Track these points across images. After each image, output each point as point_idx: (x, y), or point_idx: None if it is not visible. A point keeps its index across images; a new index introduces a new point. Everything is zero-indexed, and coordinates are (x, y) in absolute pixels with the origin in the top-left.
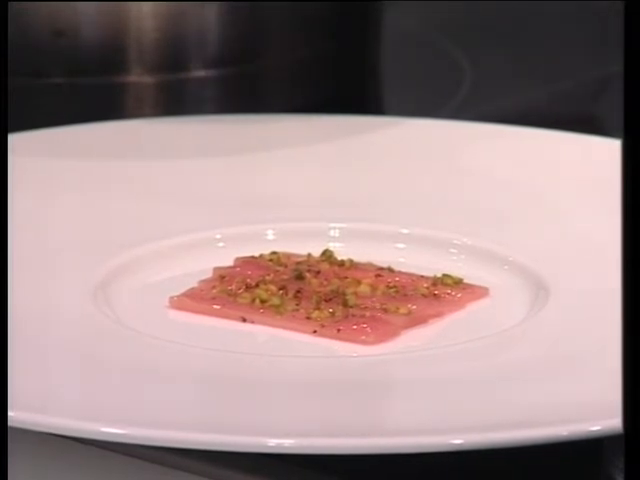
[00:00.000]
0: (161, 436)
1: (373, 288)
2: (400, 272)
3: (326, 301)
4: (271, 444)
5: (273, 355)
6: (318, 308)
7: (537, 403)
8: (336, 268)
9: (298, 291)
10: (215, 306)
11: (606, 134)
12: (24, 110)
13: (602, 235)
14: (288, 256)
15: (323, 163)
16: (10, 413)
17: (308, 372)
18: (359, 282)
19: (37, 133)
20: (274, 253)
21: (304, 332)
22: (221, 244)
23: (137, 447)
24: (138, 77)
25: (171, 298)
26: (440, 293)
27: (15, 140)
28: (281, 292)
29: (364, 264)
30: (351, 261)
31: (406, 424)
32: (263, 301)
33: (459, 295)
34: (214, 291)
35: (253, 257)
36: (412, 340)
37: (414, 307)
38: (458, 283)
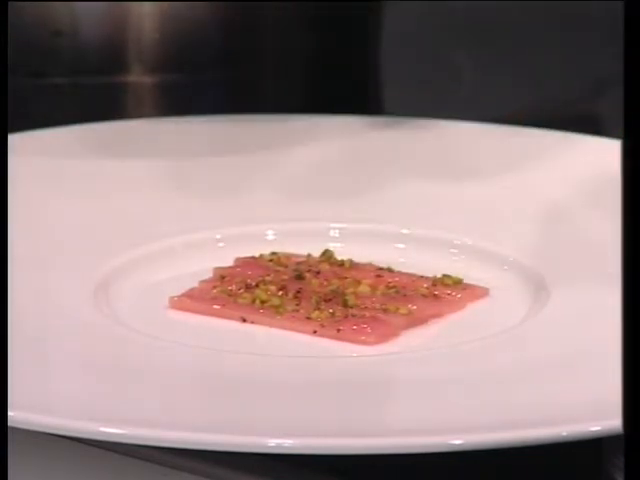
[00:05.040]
0: (161, 436)
1: (373, 288)
2: (400, 272)
3: (326, 301)
4: (271, 444)
5: (273, 355)
6: (318, 308)
7: (537, 403)
8: (336, 268)
9: (298, 291)
10: (215, 306)
11: (606, 134)
12: (24, 110)
13: (602, 235)
14: (288, 256)
15: (323, 163)
16: (10, 413)
17: (308, 372)
18: (359, 282)
19: (37, 133)
20: (274, 253)
21: (304, 332)
22: (221, 244)
23: (137, 447)
24: (138, 77)
25: (171, 298)
26: (440, 293)
27: (15, 140)
28: (281, 292)
29: (364, 264)
30: (351, 261)
31: (406, 424)
32: (263, 301)
33: (459, 295)
34: (214, 291)
35: (253, 257)
36: (412, 340)
37: (414, 307)
38: (458, 283)
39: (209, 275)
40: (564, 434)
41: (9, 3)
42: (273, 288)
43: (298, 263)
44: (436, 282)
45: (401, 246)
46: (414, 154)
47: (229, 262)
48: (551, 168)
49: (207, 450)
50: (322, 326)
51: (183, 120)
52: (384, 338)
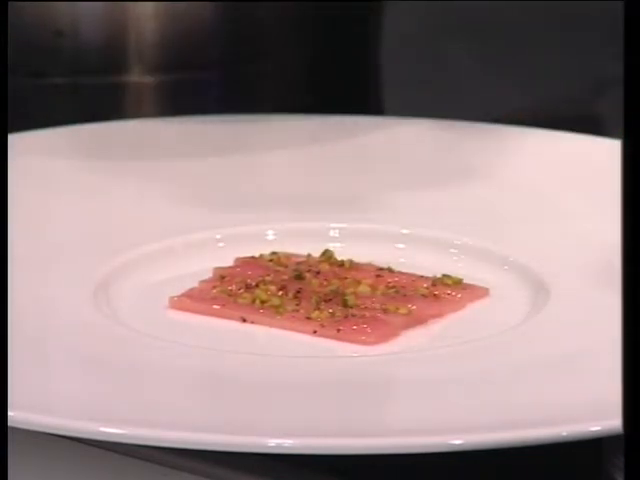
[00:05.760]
0: (161, 436)
1: (373, 288)
2: (400, 272)
3: (326, 301)
4: (271, 444)
5: (273, 355)
6: (318, 308)
7: (537, 403)
8: (336, 268)
9: (298, 291)
10: (215, 306)
11: (606, 134)
12: (24, 110)
13: (602, 235)
14: (288, 256)
15: (323, 163)
16: (10, 413)
17: (308, 372)
18: (359, 282)
19: (37, 133)
20: (274, 253)
21: (304, 332)
22: (221, 244)
23: (137, 447)
24: (138, 77)
25: (171, 298)
26: (440, 293)
27: (15, 140)
28: (281, 292)
29: (364, 264)
30: (351, 261)
31: (406, 424)
32: (263, 301)
33: (459, 295)
34: (214, 291)
35: (253, 257)
36: (412, 340)
37: (414, 307)
38: (458, 283)
39: (209, 275)
40: (564, 434)
41: (9, 3)
42: (273, 288)
43: (298, 263)
44: (436, 282)
45: (401, 246)
46: (414, 154)
47: (229, 262)
48: (551, 168)
49: (207, 450)
50: (322, 326)
51: (183, 120)
52: (384, 338)
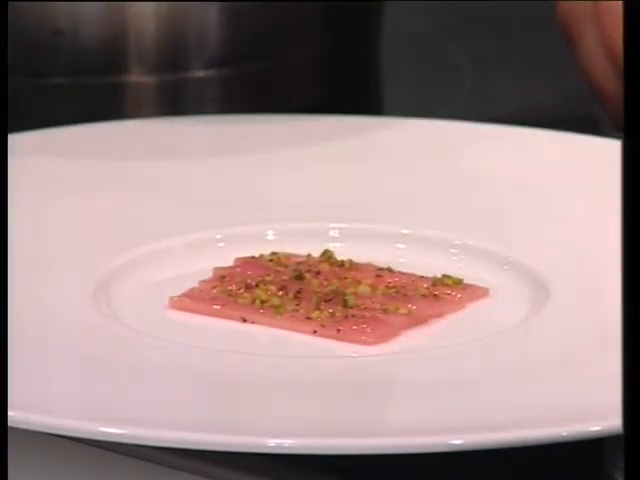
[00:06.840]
0: (161, 436)
1: (373, 288)
2: (400, 272)
3: (326, 301)
4: (271, 444)
5: (273, 355)
6: (318, 308)
7: (537, 403)
8: (336, 268)
9: (298, 291)
10: (215, 306)
11: (606, 134)
12: (24, 110)
13: (602, 235)
14: (288, 256)
15: (323, 163)
16: (10, 413)
17: (308, 372)
18: (359, 282)
19: (37, 133)
20: (274, 253)
21: (304, 332)
22: (221, 244)
23: (137, 447)
24: (138, 77)
25: (171, 298)
26: (440, 293)
27: (15, 140)
28: (281, 292)
29: (364, 264)
30: (351, 261)
31: (406, 424)
32: (263, 301)
33: (459, 295)
34: (214, 291)
35: (253, 257)
36: (412, 340)
37: (414, 307)
38: (458, 283)
39: (209, 275)
40: (564, 434)
41: (9, 3)
42: (273, 288)
43: (298, 263)
44: (436, 282)
45: (401, 246)
46: (414, 154)
47: (229, 262)
48: (551, 168)
49: (207, 450)
50: (322, 326)
51: (183, 120)
52: (384, 338)
